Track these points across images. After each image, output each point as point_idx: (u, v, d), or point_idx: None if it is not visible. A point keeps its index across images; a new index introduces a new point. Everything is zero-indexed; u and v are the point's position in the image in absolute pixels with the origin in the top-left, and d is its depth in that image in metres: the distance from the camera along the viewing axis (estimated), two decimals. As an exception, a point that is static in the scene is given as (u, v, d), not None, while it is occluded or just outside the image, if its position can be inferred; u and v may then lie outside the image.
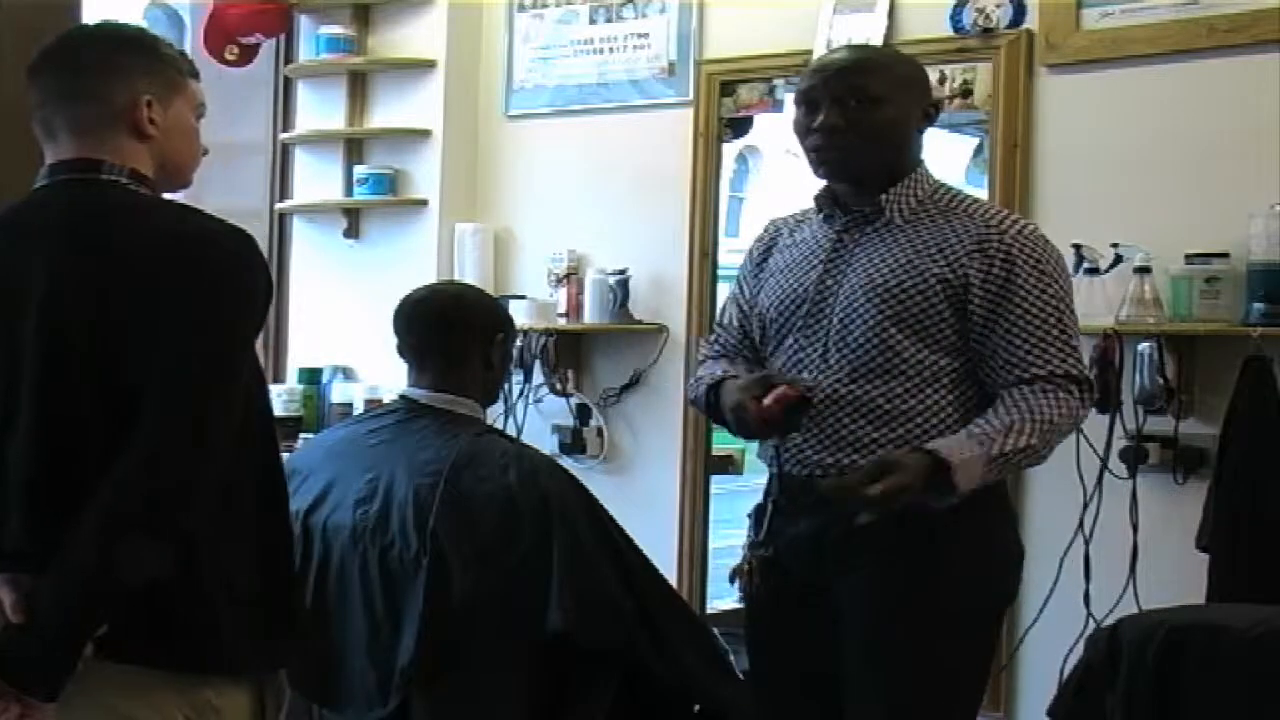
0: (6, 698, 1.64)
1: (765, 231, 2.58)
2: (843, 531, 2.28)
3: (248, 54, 4.56)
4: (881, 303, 2.29)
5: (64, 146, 1.88)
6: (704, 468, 4.03)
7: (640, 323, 4.12)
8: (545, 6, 4.38)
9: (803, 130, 2.38)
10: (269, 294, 1.89)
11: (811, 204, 2.46)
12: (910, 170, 2.37)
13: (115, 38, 1.95)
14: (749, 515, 2.49)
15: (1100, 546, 3.28)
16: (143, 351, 1.72)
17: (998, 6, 3.57)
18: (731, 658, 2.67)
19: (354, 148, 4.56)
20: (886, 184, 2.35)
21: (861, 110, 2.31)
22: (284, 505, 1.97)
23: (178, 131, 1.92)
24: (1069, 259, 3.22)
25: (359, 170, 4.48)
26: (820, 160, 2.37)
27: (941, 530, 2.25)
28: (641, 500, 3.66)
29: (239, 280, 1.81)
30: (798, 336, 2.39)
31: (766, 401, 2.19)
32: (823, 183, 2.43)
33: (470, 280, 4.06)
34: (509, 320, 2.86)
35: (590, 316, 4.18)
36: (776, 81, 3.97)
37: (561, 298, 4.24)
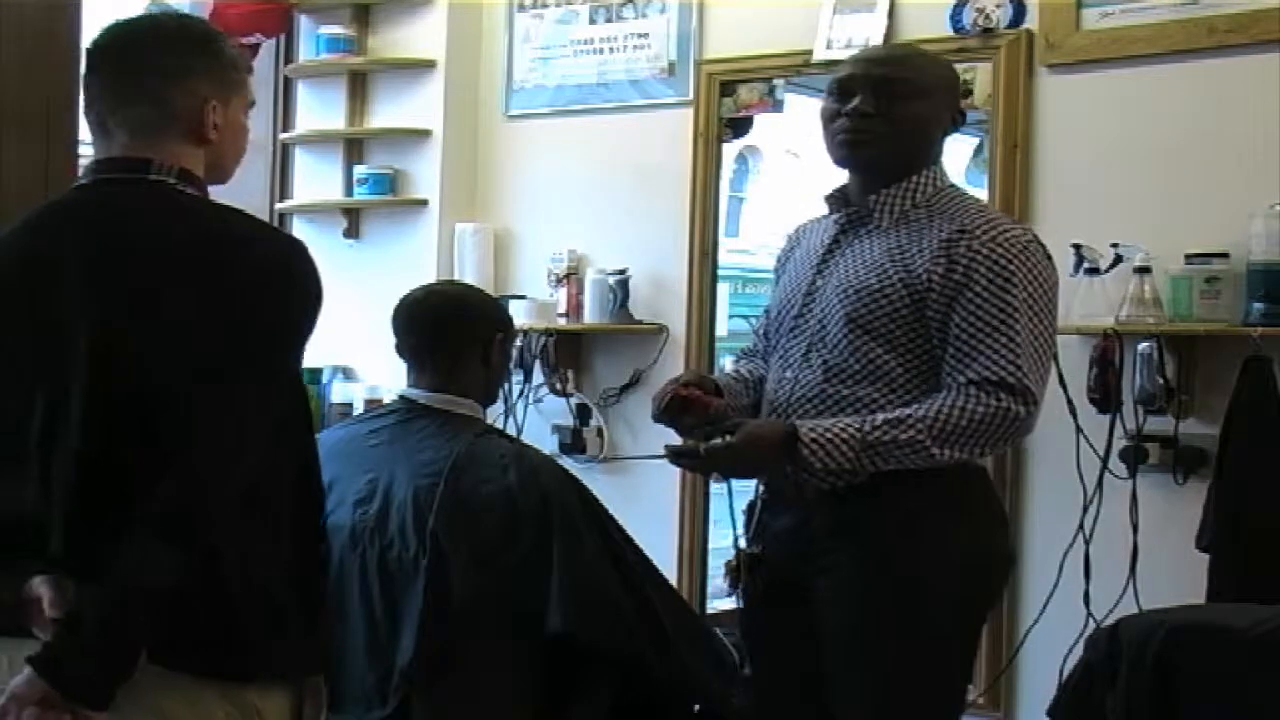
0: (59, 707, 1.61)
1: (786, 242, 2.62)
2: (821, 528, 2.30)
3: (248, 54, 4.55)
4: (849, 305, 2.30)
5: (115, 145, 1.84)
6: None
7: (640, 323, 4.12)
8: (545, 6, 4.38)
9: (830, 116, 2.38)
10: (318, 300, 1.82)
11: (823, 205, 2.48)
12: (920, 169, 2.37)
13: (181, 37, 1.91)
14: (742, 512, 2.51)
15: (1100, 546, 3.28)
16: (180, 355, 1.69)
17: (998, 6, 3.57)
18: (732, 657, 2.67)
19: (354, 148, 4.56)
20: (895, 181, 2.36)
21: (895, 101, 2.33)
22: (319, 510, 1.93)
23: (231, 131, 1.91)
24: (1069, 259, 3.23)
25: (359, 170, 4.48)
26: (842, 143, 2.36)
27: (921, 531, 2.26)
28: (641, 500, 3.66)
29: (279, 284, 1.77)
30: (788, 336, 2.42)
31: (664, 392, 2.38)
32: (831, 184, 2.44)
33: (470, 280, 4.06)
34: (509, 320, 2.86)
35: (590, 316, 4.18)
36: (776, 81, 3.97)
37: (561, 298, 4.24)
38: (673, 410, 2.37)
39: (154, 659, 1.66)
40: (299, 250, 1.82)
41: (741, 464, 2.32)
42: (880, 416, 2.22)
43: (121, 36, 1.89)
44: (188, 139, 1.85)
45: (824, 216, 2.50)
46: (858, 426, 2.21)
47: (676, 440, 2.40)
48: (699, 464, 2.40)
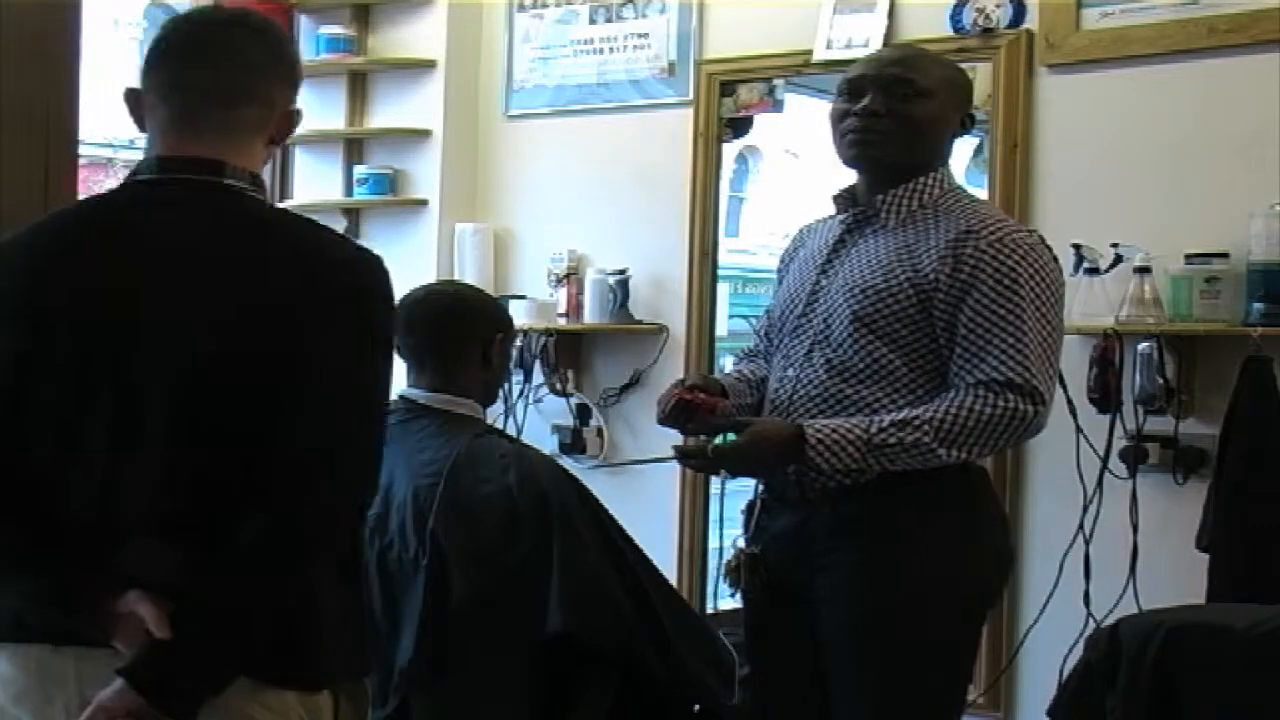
0: (146, 718, 1.59)
1: (792, 241, 2.62)
2: (820, 528, 2.31)
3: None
4: (855, 304, 2.31)
5: (188, 141, 1.75)
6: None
7: (640, 323, 4.12)
8: (545, 6, 4.38)
9: (839, 116, 2.38)
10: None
11: (825, 205, 2.49)
12: (928, 170, 2.37)
13: (277, 36, 1.86)
14: (741, 511, 2.52)
15: (1100, 546, 3.28)
16: (286, 382, 1.63)
17: (998, 6, 3.57)
18: (732, 657, 2.67)
19: (354, 148, 4.56)
20: (903, 180, 2.36)
21: (905, 101, 2.33)
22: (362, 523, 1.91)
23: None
24: (1069, 259, 3.23)
25: (359, 170, 4.48)
26: (852, 142, 2.37)
27: (921, 531, 2.26)
28: (641, 500, 3.66)
29: (378, 309, 1.74)
30: (790, 335, 2.42)
31: (669, 397, 2.37)
32: (832, 184, 2.44)
33: (470, 280, 4.06)
34: (508, 320, 2.85)
35: (590, 316, 4.18)
36: (776, 81, 3.97)
37: (561, 298, 4.24)
38: (677, 415, 2.37)
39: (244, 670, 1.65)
40: (386, 269, 1.77)
41: (748, 463, 2.34)
42: (887, 418, 2.23)
43: (219, 28, 1.83)
44: (267, 141, 1.82)
45: (830, 217, 2.51)
46: (864, 428, 2.21)
47: (679, 441, 2.40)
48: (706, 464, 2.42)
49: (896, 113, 2.33)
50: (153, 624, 1.59)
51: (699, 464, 2.47)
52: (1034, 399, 2.22)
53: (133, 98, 1.81)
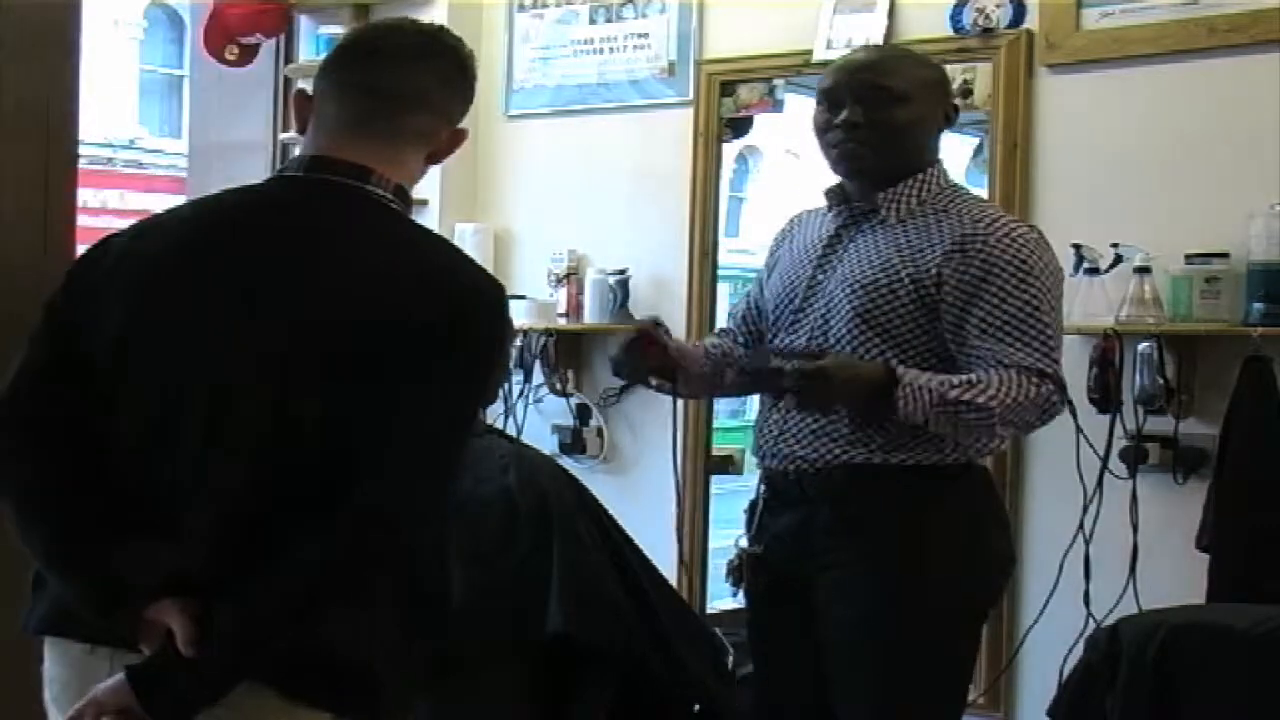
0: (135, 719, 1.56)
1: (784, 227, 2.61)
2: (822, 527, 2.30)
3: (248, 54, 4.56)
4: (855, 300, 2.30)
5: (345, 143, 1.73)
6: (704, 467, 4.03)
7: (640, 323, 4.11)
8: (545, 6, 4.38)
9: (823, 126, 2.38)
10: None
11: (823, 199, 2.47)
12: (922, 169, 2.37)
13: (462, 52, 1.85)
14: (744, 511, 2.51)
15: (1100, 546, 3.28)
16: (384, 402, 1.58)
17: (998, 6, 3.57)
18: (731, 658, 2.68)
19: (354, 148, 4.55)
20: (897, 181, 2.36)
21: (884, 108, 2.32)
22: (447, 572, 1.81)
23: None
24: (1069, 259, 3.23)
25: (359, 170, 4.47)
26: (840, 156, 2.37)
27: (922, 530, 2.26)
28: (641, 500, 3.65)
29: (498, 343, 1.72)
30: (787, 330, 2.42)
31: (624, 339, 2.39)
32: (833, 178, 2.44)
33: (470, 280, 4.06)
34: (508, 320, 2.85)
35: (590, 316, 4.18)
36: (776, 81, 3.97)
37: (561, 298, 4.24)
38: (632, 351, 2.37)
39: (271, 683, 1.60)
40: (506, 298, 1.75)
41: (835, 390, 2.20)
42: (958, 376, 2.21)
43: (411, 39, 1.82)
44: (426, 156, 1.80)
45: (823, 209, 2.49)
46: (938, 380, 2.20)
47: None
48: (785, 385, 2.22)
49: (876, 121, 2.32)
50: (182, 642, 1.55)
51: (776, 385, 2.25)
52: (1061, 387, 2.26)
53: (302, 100, 1.79)
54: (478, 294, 1.69)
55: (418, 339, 1.61)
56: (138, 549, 1.61)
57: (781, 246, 2.55)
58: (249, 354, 1.62)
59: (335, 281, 1.64)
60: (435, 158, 1.82)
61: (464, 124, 1.89)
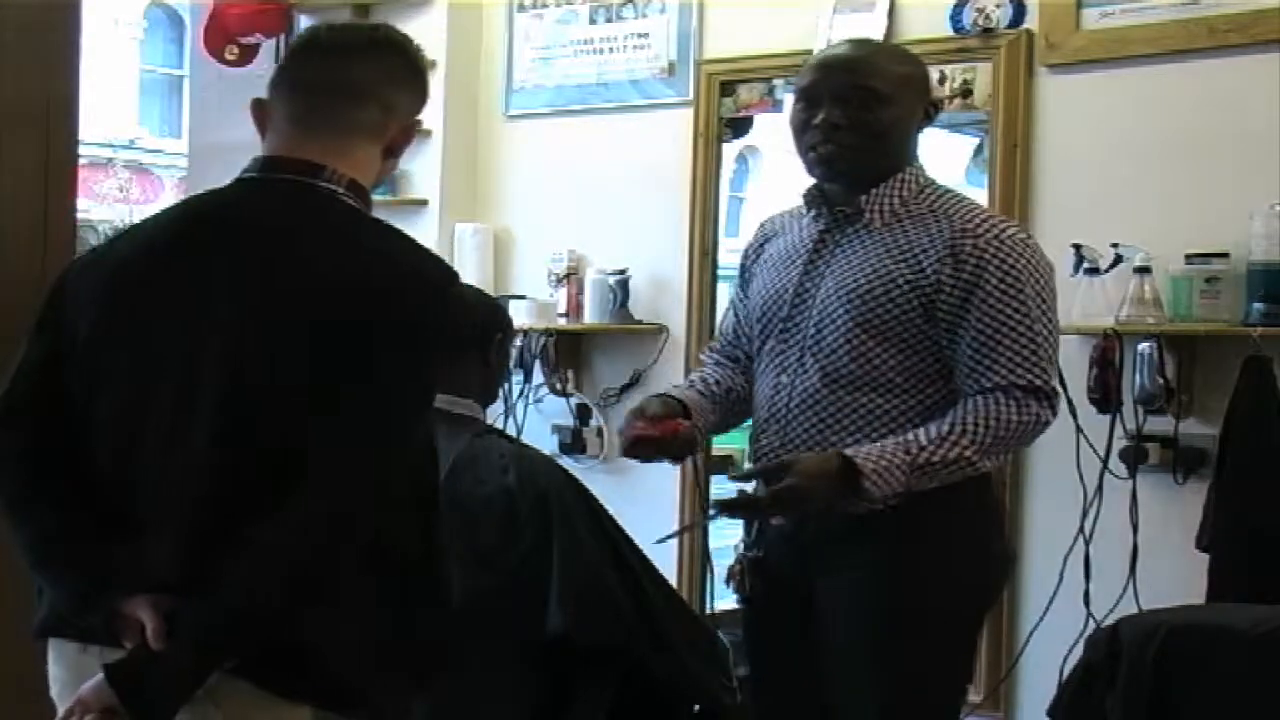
0: (119, 717, 1.58)
1: (756, 234, 2.57)
2: (819, 530, 2.29)
3: (248, 54, 4.56)
4: (853, 308, 2.27)
5: (296, 143, 1.76)
6: (704, 467, 4.03)
7: (640, 323, 4.12)
8: (545, 6, 4.38)
9: (800, 126, 2.34)
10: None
11: (800, 201, 2.44)
12: (901, 168, 2.33)
13: (407, 46, 1.89)
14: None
15: (1100, 547, 3.28)
16: (331, 388, 1.61)
17: (998, 6, 3.57)
18: (731, 658, 2.67)
19: (354, 147, 4.56)
20: (878, 183, 2.32)
21: (863, 109, 2.28)
22: (442, 568, 1.82)
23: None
24: (1069, 259, 3.24)
25: (359, 170, 4.48)
26: (817, 159, 2.32)
27: (921, 532, 2.25)
28: (641, 500, 3.66)
29: (443, 330, 1.72)
30: (776, 340, 2.38)
31: (630, 433, 2.30)
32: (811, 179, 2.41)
33: (470, 280, 4.02)
34: (508, 320, 2.85)
35: (590, 316, 4.18)
36: (776, 81, 3.97)
37: (561, 298, 4.25)
38: (638, 448, 2.32)
39: (246, 674, 1.62)
40: (457, 281, 1.77)
41: (807, 503, 2.23)
42: (922, 434, 2.19)
43: (354, 36, 1.87)
44: (381, 152, 1.81)
45: (795, 210, 2.45)
46: (905, 449, 2.17)
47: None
48: (760, 512, 2.32)
49: (858, 122, 2.28)
50: (150, 635, 1.59)
51: (751, 514, 2.36)
52: (1051, 402, 2.23)
53: (258, 108, 1.82)
54: (422, 281, 1.72)
55: (363, 331, 1.64)
56: (112, 546, 1.65)
57: (759, 255, 2.51)
58: (208, 354, 1.65)
59: (287, 280, 1.67)
60: (392, 152, 1.84)
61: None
